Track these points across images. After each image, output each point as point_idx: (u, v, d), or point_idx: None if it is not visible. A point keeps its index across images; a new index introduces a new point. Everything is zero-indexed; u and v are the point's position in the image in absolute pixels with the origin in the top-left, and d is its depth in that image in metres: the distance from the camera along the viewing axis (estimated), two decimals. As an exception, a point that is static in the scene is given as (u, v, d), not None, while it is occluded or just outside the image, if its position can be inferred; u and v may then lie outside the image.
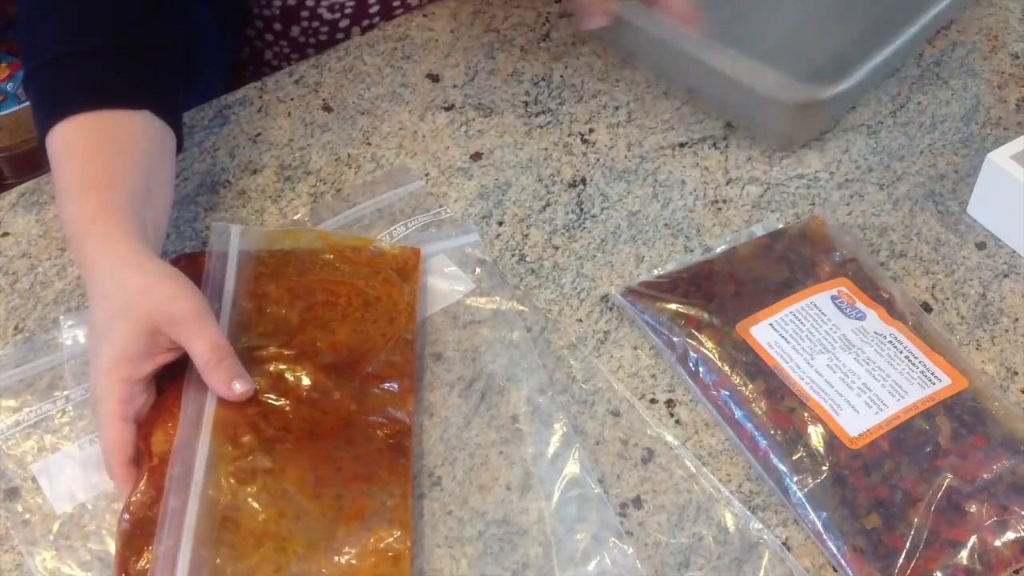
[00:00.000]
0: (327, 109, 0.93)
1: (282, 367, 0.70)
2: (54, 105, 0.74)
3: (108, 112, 0.74)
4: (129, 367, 0.66)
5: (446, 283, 0.80)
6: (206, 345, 0.66)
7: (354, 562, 0.64)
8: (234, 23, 0.99)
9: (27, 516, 0.68)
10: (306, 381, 0.70)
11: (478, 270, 0.81)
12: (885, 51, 0.82)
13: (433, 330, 0.78)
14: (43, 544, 0.67)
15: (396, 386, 0.71)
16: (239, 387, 0.67)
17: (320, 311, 0.74)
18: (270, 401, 0.69)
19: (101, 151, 0.73)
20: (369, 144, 0.90)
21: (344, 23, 0.99)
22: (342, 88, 0.94)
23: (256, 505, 0.64)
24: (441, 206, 0.85)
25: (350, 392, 0.70)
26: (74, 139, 0.73)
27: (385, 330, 0.74)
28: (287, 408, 0.69)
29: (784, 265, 0.79)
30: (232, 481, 0.65)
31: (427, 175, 0.88)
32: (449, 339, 0.77)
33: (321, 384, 0.70)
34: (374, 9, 0.99)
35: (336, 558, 0.64)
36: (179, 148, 0.80)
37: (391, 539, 0.65)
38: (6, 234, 0.84)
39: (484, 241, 0.83)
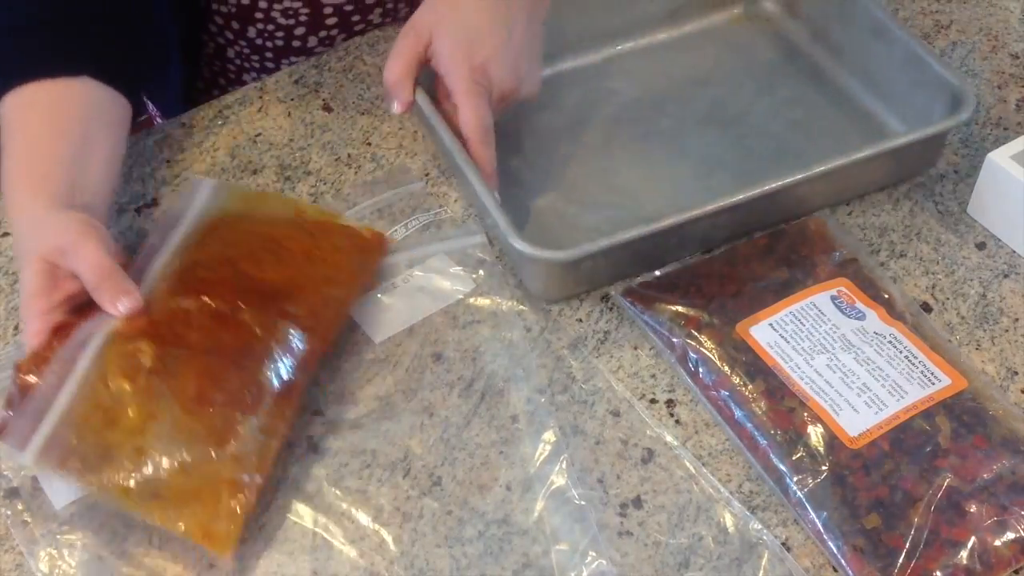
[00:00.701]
0: (327, 109, 0.93)
1: (201, 283, 0.72)
2: None
3: (40, 83, 0.76)
4: (39, 302, 0.70)
5: (446, 283, 0.80)
6: (88, 266, 0.70)
7: (202, 487, 0.65)
8: (191, 15, 0.99)
9: (27, 516, 0.68)
10: (219, 297, 0.72)
11: (479, 270, 0.81)
12: (639, 230, 0.77)
13: (433, 330, 0.78)
14: (43, 543, 0.67)
15: (306, 336, 0.72)
16: (123, 306, 0.69)
17: (260, 254, 0.76)
18: (178, 309, 0.71)
19: (25, 127, 0.76)
20: (369, 144, 0.90)
21: (300, 31, 0.98)
22: (342, 88, 0.94)
23: (131, 403, 0.66)
24: (441, 206, 0.85)
25: (259, 318, 0.71)
26: (6, 117, 0.76)
27: (318, 286, 0.76)
28: (192, 319, 0.71)
29: (784, 265, 0.79)
30: (115, 374, 0.67)
31: (427, 175, 0.88)
32: (449, 339, 0.77)
33: (232, 301, 0.72)
34: (331, 21, 0.98)
35: (186, 479, 0.65)
36: (136, 113, 0.82)
37: (246, 475, 0.66)
38: (6, 234, 0.84)
39: (485, 241, 0.83)
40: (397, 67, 0.81)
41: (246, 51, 1.01)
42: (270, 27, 0.98)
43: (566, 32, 0.94)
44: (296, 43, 0.99)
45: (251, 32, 0.99)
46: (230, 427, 0.67)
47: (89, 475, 0.65)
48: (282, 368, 0.70)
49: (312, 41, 0.99)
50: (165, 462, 0.65)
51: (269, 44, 1.00)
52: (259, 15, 0.97)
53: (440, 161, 0.88)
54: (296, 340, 0.71)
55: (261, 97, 0.94)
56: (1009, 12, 1.02)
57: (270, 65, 1.01)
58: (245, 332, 0.70)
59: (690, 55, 0.97)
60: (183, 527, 0.65)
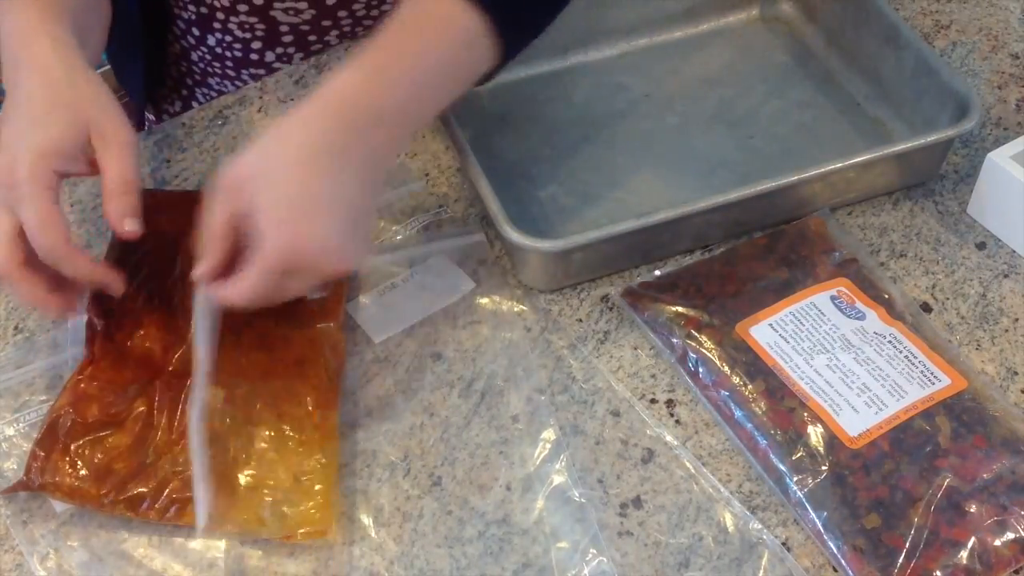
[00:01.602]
0: (327, 109, 0.93)
1: (238, 314, 0.72)
2: None
3: None
4: (60, 161, 0.68)
5: (446, 283, 0.80)
6: (117, 172, 0.68)
7: (319, 486, 0.68)
8: (157, 12, 0.99)
9: (27, 516, 0.68)
10: (262, 317, 0.72)
11: (479, 270, 0.81)
12: (627, 224, 0.77)
13: (433, 330, 0.78)
14: (43, 543, 0.67)
15: (333, 325, 0.75)
16: (128, 225, 0.68)
17: None
18: (240, 358, 0.72)
19: None
20: (369, 144, 0.90)
21: (257, 45, 0.97)
22: (342, 88, 0.94)
23: (247, 452, 0.69)
24: (441, 206, 0.85)
25: (300, 335, 0.73)
26: None
27: None
28: (250, 356, 0.73)
29: (784, 265, 0.79)
30: (225, 433, 0.69)
31: (427, 175, 0.88)
32: (449, 339, 0.77)
33: (270, 331, 0.73)
34: (288, 39, 0.97)
35: (306, 487, 0.68)
36: (109, 33, 0.83)
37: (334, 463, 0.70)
38: (6, 234, 0.84)
39: (485, 241, 0.83)
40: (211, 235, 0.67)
41: (208, 57, 1.01)
42: (228, 38, 0.97)
43: (580, 26, 0.95)
44: (254, 56, 0.98)
45: (211, 40, 0.98)
46: (328, 423, 0.70)
47: (248, 525, 0.67)
48: (332, 360, 0.73)
49: (269, 56, 0.98)
50: (291, 484, 0.68)
51: (228, 54, 0.99)
52: (217, 25, 0.97)
53: (440, 161, 0.88)
54: (325, 326, 0.74)
55: (261, 97, 0.94)
56: (1009, 12, 1.02)
57: (231, 73, 1.01)
58: (293, 351, 0.73)
59: (704, 54, 0.98)
60: (304, 532, 0.67)
